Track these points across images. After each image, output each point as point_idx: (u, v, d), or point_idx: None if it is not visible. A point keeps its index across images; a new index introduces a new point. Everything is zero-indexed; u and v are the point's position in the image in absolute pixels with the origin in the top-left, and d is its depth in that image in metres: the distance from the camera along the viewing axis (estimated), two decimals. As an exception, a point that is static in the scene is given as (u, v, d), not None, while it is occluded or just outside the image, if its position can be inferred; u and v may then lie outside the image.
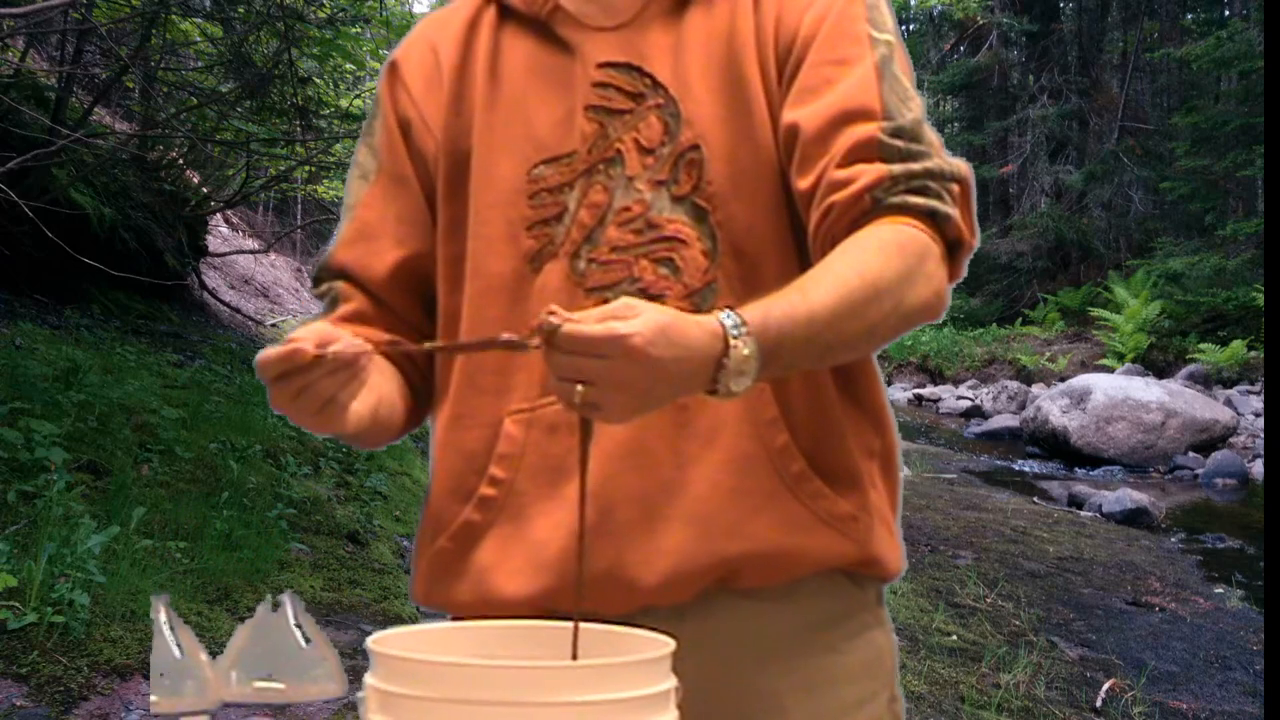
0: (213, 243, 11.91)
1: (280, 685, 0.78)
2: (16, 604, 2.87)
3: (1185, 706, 3.58)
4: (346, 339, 0.83)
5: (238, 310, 11.21)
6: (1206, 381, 12.75)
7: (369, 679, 0.72)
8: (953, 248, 0.90)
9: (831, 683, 0.95)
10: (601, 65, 0.96)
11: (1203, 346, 13.83)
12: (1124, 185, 18.81)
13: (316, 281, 1.06)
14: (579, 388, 0.74)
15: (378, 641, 0.74)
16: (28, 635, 2.81)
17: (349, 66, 8.09)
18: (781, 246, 0.94)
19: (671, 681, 0.74)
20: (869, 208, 0.87)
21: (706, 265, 0.93)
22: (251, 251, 13.88)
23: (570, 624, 0.79)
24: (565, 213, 0.94)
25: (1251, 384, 12.51)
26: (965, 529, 6.03)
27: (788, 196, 0.94)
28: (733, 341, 0.76)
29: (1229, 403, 11.30)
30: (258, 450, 5.24)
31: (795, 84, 0.93)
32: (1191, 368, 13.28)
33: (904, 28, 26.44)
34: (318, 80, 8.40)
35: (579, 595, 0.80)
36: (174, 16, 7.03)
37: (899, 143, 0.89)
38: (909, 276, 0.85)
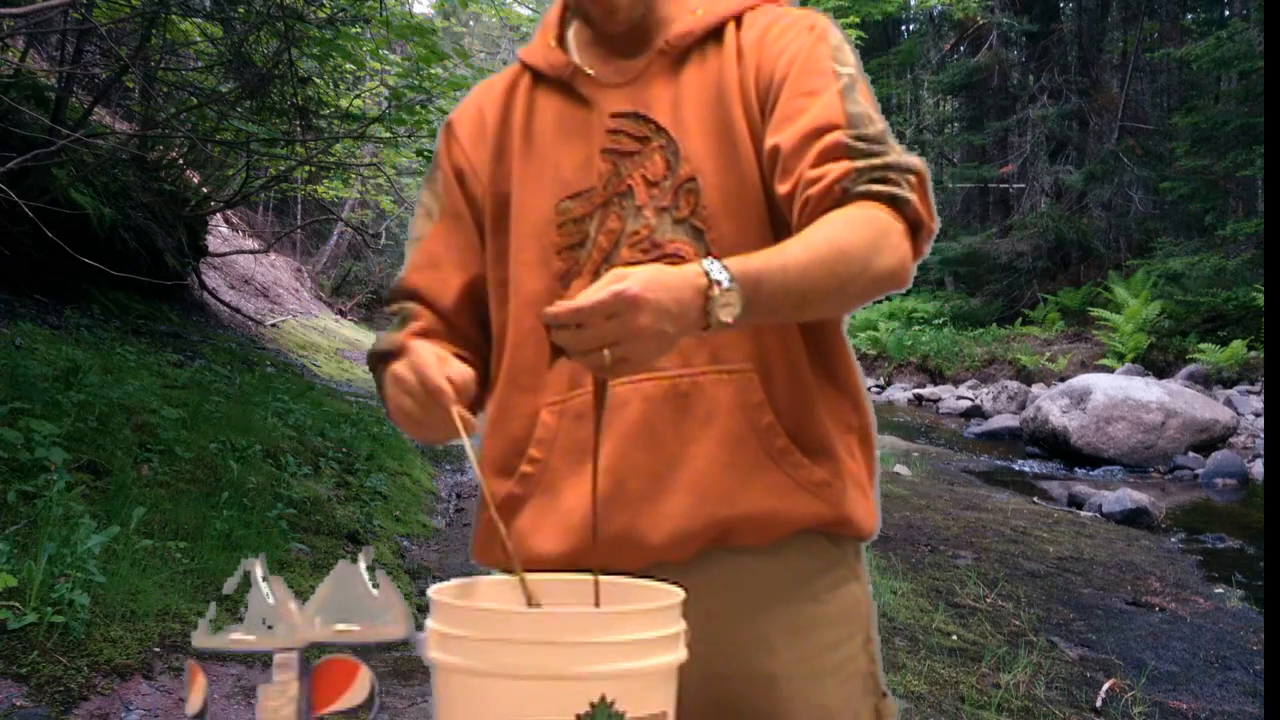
0: (213, 243, 11.91)
1: (356, 627, 0.92)
2: (16, 604, 2.86)
3: (1185, 706, 3.57)
4: (461, 409, 1.03)
5: (238, 310, 11.21)
6: (1206, 381, 12.74)
7: (430, 622, 0.88)
8: (914, 229, 1.05)
9: (814, 626, 1.11)
10: (614, 115, 1.14)
11: (1203, 346, 13.81)
12: (1124, 185, 18.77)
13: (389, 301, 1.25)
14: (606, 353, 0.88)
15: (438, 592, 0.90)
16: (28, 635, 2.81)
17: (349, 66, 8.08)
18: None
19: (682, 625, 0.88)
20: (839, 196, 1.03)
21: None
22: (251, 251, 13.87)
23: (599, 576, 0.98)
24: (587, 239, 1.13)
25: (1251, 384, 12.50)
26: (965, 529, 6.03)
27: (770, 216, 1.11)
28: (714, 275, 0.92)
29: (1229, 403, 11.29)
30: (258, 450, 5.23)
31: (774, 115, 1.10)
32: (1191, 368, 13.27)
33: (904, 28, 26.43)
34: (318, 80, 8.39)
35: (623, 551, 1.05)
36: (174, 16, 7.02)
37: (862, 144, 1.05)
38: (875, 245, 1.00)
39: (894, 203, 1.03)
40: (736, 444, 1.08)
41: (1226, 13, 19.02)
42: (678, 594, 0.91)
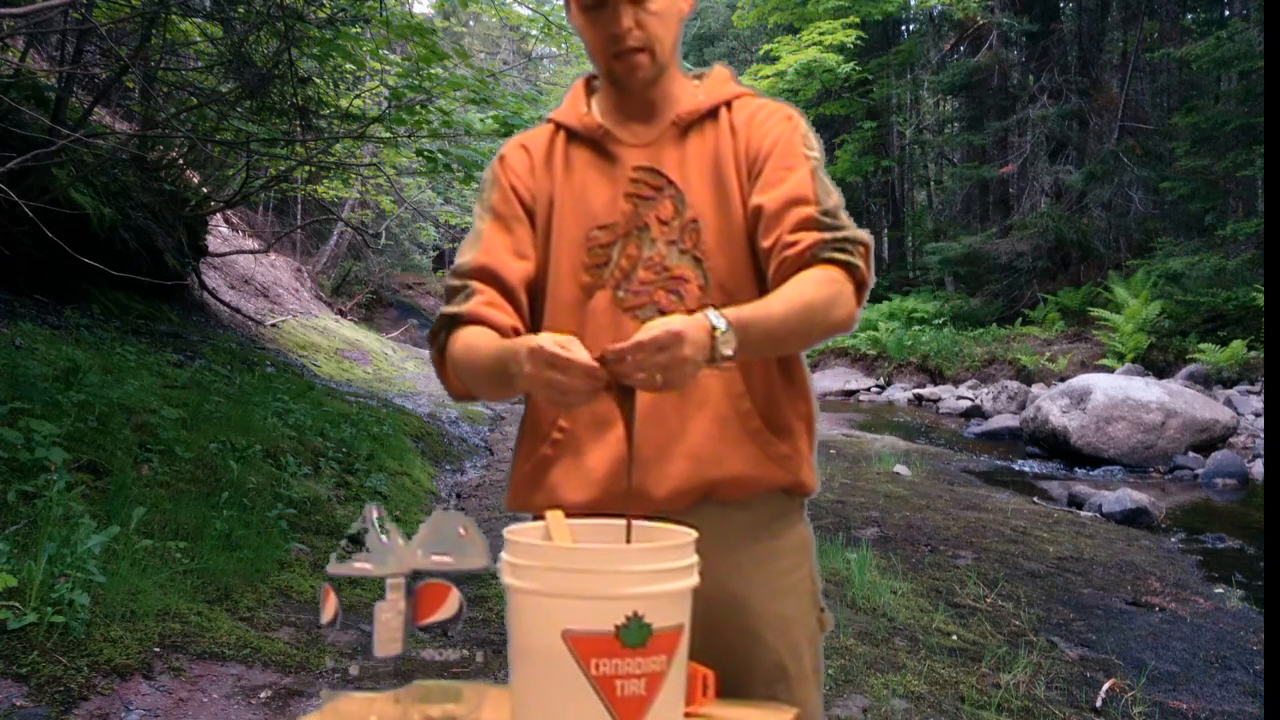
0: (213, 243, 11.90)
1: (449, 558, 1.18)
2: (16, 604, 2.86)
3: (1185, 706, 3.57)
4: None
5: (238, 310, 11.20)
6: (1206, 381, 12.74)
7: (504, 555, 1.16)
8: (860, 287, 1.40)
9: (774, 556, 1.47)
10: (635, 168, 1.47)
11: (1203, 346, 13.81)
12: (1124, 185, 18.74)
13: (454, 277, 1.49)
14: (658, 377, 1.19)
15: (510, 532, 1.18)
16: (28, 635, 2.81)
17: (349, 66, 8.08)
18: (749, 284, 1.44)
19: (695, 558, 1.17)
20: (809, 259, 1.37)
21: (700, 295, 1.42)
22: (251, 251, 13.87)
23: (622, 520, 1.27)
24: (610, 261, 1.45)
25: (1251, 384, 12.50)
26: (965, 529, 6.02)
27: (752, 252, 1.45)
28: (715, 322, 1.24)
29: (1229, 403, 11.29)
30: (258, 450, 5.23)
31: (759, 181, 1.45)
32: (1191, 368, 13.27)
33: (904, 28, 26.41)
34: (318, 80, 8.38)
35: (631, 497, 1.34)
36: (174, 16, 7.02)
37: (827, 219, 1.39)
38: (832, 302, 1.35)
39: (847, 268, 1.38)
40: (723, 423, 1.41)
41: (1226, 13, 19.01)
42: (692, 534, 1.19)
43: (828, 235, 1.37)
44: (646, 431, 1.39)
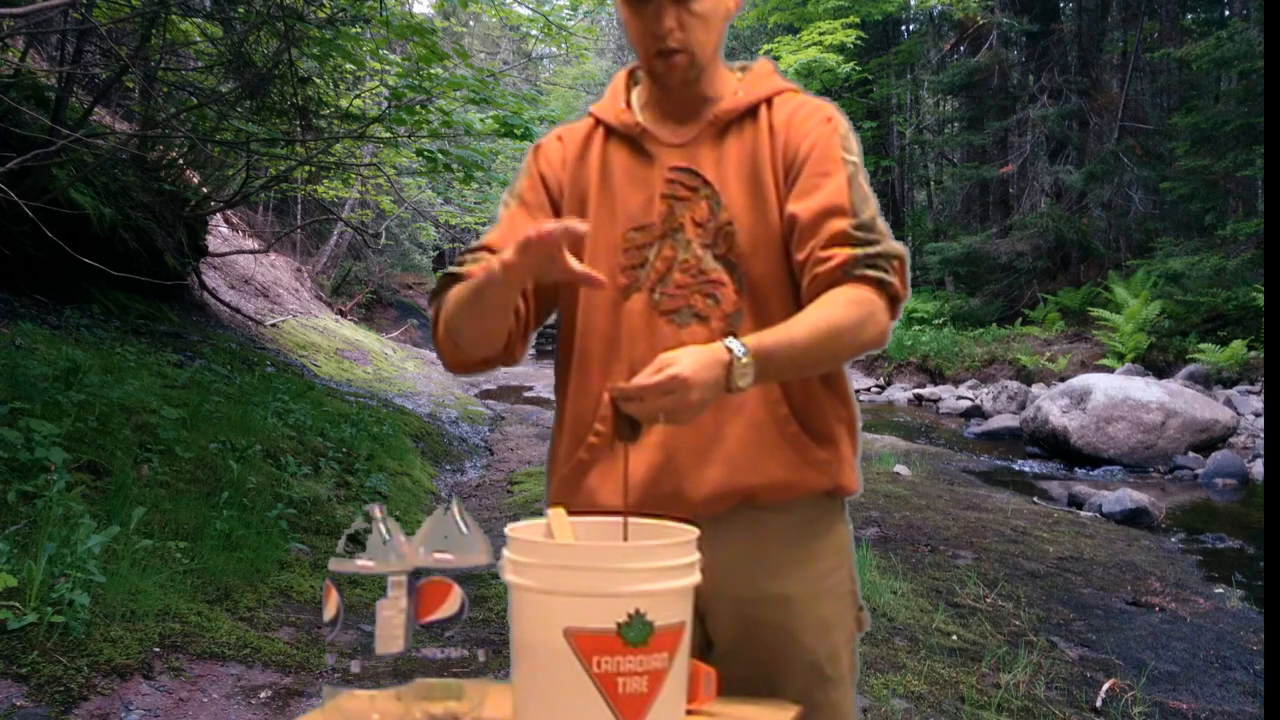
0: (213, 243, 11.89)
1: (450, 556, 1.17)
2: (16, 604, 2.86)
3: (1185, 706, 3.57)
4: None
5: (238, 310, 11.20)
6: (1206, 381, 12.73)
7: (505, 552, 1.16)
8: (893, 302, 1.39)
9: (815, 557, 1.46)
10: (672, 169, 1.47)
11: (1203, 346, 13.80)
12: (1124, 185, 18.72)
13: (465, 252, 1.49)
14: (662, 417, 1.22)
15: (512, 529, 1.18)
16: (28, 635, 2.81)
17: (349, 66, 8.07)
18: (783, 288, 1.43)
19: (696, 556, 1.18)
20: (840, 276, 1.36)
21: (736, 299, 1.42)
22: (251, 251, 13.86)
23: (640, 519, 1.27)
24: (646, 262, 1.45)
25: (1251, 384, 12.49)
26: (965, 529, 6.02)
27: (787, 255, 1.43)
28: (736, 353, 1.24)
29: (1229, 403, 11.28)
30: (258, 450, 5.23)
31: (796, 186, 1.43)
32: (1191, 368, 13.26)
33: (904, 28, 26.39)
34: (318, 80, 8.38)
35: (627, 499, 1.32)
36: (174, 16, 7.02)
37: (861, 234, 1.38)
38: (862, 323, 1.34)
39: (880, 285, 1.36)
40: (760, 429, 1.41)
41: (1226, 13, 19.00)
42: (694, 532, 1.19)
43: (860, 251, 1.36)
44: (683, 436, 1.39)
